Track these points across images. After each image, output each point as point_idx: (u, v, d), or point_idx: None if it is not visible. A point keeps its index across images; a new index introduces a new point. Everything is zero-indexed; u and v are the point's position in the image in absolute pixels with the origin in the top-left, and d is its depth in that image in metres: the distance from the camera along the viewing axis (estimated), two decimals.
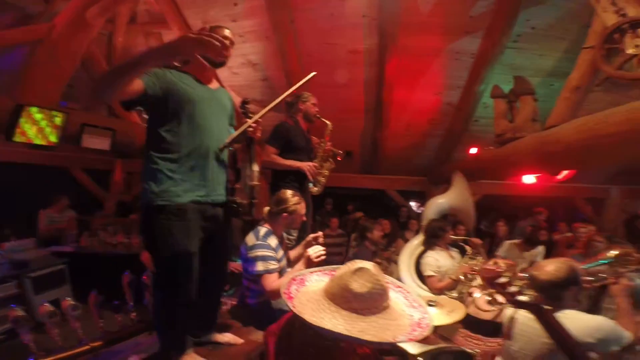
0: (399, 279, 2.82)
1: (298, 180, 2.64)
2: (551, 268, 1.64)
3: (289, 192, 2.14)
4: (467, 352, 1.69)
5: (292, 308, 1.06)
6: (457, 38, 4.13)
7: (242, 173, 1.71)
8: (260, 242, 1.98)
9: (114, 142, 4.57)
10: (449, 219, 3.84)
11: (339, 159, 2.88)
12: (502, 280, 1.33)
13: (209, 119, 1.59)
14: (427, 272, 2.89)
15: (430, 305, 1.77)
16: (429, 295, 2.59)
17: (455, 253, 3.10)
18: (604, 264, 1.96)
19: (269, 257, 1.93)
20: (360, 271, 1.07)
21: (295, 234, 2.55)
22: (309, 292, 1.16)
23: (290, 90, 1.81)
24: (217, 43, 1.27)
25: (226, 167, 1.70)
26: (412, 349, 1.52)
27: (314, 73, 1.89)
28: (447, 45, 4.21)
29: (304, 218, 2.26)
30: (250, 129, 1.68)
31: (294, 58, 4.19)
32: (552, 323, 1.36)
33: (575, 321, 1.57)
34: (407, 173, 5.74)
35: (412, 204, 6.70)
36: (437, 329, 1.96)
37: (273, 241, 2.04)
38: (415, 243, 3.34)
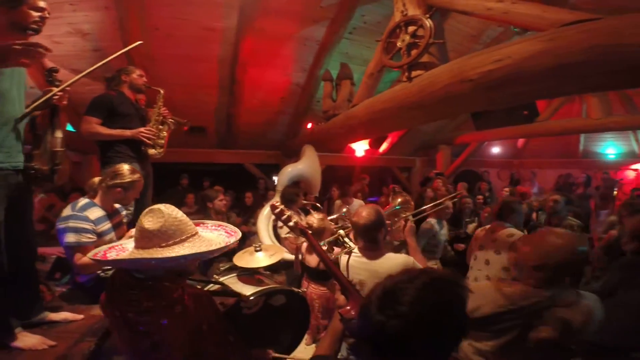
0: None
1: (131, 148, 2.58)
2: (365, 213, 1.85)
3: (126, 167, 2.09)
4: (296, 291, 1.99)
5: (105, 259, 1.15)
6: (308, 25, 4.53)
7: (43, 139, 1.67)
8: (75, 214, 1.89)
9: None
10: (299, 185, 4.38)
11: (185, 129, 2.92)
12: (277, 210, 1.57)
13: (7, 84, 1.51)
14: (284, 234, 3.10)
15: (256, 250, 2.07)
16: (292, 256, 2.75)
17: (303, 216, 3.26)
18: (395, 210, 2.61)
19: (82, 229, 1.85)
20: (151, 211, 1.19)
21: (132, 207, 2.48)
22: (126, 253, 1.23)
23: (108, 59, 1.79)
24: (39, 50, 1.30)
25: (22, 132, 1.63)
26: (247, 290, 1.78)
27: (139, 42, 1.93)
28: (298, 31, 4.58)
29: (138, 196, 2.22)
30: (56, 97, 1.65)
31: (136, 31, 3.83)
32: (316, 247, 1.49)
33: (390, 260, 1.80)
34: (263, 147, 6.09)
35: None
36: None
37: (94, 214, 1.95)
38: (268, 211, 3.67)
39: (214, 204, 3.43)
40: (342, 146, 6.13)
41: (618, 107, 5.79)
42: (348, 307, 1.27)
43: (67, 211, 1.92)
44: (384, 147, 7.52)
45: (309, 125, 5.75)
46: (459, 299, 0.80)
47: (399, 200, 2.79)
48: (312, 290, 2.64)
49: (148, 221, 1.16)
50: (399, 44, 2.94)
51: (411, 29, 2.83)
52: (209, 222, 1.45)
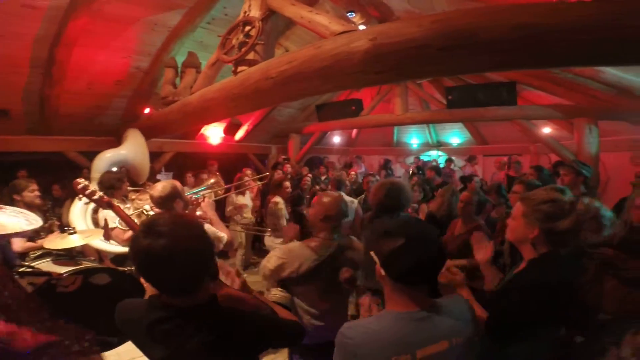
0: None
1: None
2: (160, 187, 2.05)
3: None
4: (121, 270, 2.07)
5: None
6: (161, 12, 4.33)
7: None
8: None
9: None
10: (122, 170, 4.15)
11: None
12: (81, 186, 1.69)
13: None
14: (111, 224, 2.76)
15: (70, 233, 2.05)
16: (120, 249, 2.58)
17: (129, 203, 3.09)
18: (205, 188, 2.96)
19: None
20: None
21: None
22: None
23: None
24: None
25: None
26: (60, 269, 1.78)
27: None
28: (148, 16, 4.32)
29: None
30: None
31: None
32: (120, 214, 1.70)
33: None
34: (91, 133, 5.40)
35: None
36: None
37: None
38: (83, 200, 3.34)
39: (23, 195, 2.84)
40: (181, 131, 6.03)
41: (417, 106, 7.63)
42: None
43: None
44: (240, 134, 7.73)
45: (147, 110, 5.46)
46: (201, 226, 1.00)
47: (212, 181, 3.18)
48: None
49: None
50: (233, 41, 3.21)
51: (247, 28, 3.11)
52: (9, 208, 1.41)
